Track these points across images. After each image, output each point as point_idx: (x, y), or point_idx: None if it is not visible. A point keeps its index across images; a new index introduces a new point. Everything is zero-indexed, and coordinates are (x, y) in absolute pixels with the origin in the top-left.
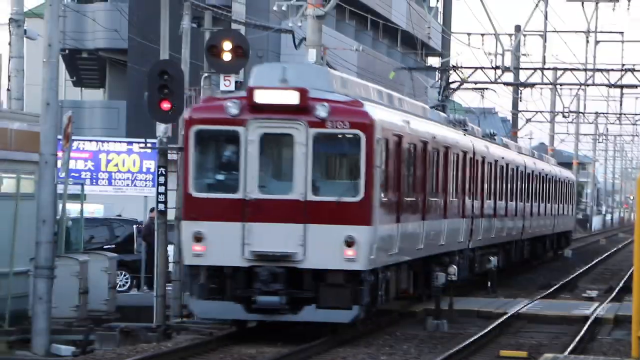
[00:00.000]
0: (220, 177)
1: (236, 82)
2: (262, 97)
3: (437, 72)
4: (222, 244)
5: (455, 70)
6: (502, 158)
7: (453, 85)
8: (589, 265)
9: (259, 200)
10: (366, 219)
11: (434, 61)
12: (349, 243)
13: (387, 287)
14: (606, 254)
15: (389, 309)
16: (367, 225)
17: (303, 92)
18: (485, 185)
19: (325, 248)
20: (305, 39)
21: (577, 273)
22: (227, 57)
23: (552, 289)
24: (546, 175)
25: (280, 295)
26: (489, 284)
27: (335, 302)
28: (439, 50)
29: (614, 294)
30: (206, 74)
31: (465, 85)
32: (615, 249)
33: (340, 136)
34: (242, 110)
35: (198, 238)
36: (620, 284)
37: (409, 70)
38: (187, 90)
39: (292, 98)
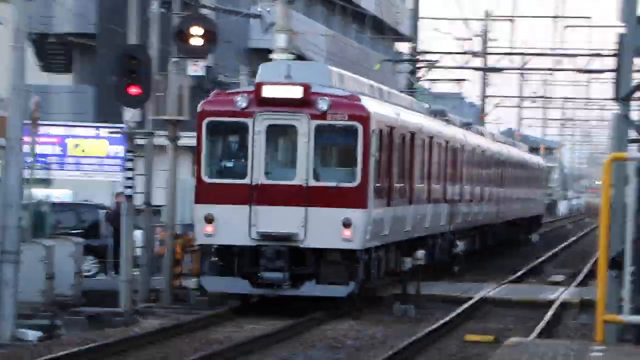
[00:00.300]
0: (230, 164)
1: (205, 67)
2: (268, 91)
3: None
4: (231, 225)
5: (424, 56)
6: (479, 146)
7: (421, 71)
8: (555, 250)
9: (264, 186)
10: (362, 202)
11: (402, 47)
12: (346, 225)
13: (379, 266)
14: (572, 239)
15: (364, 295)
16: (363, 209)
17: (306, 87)
18: (464, 172)
19: (324, 229)
20: (274, 23)
21: (543, 258)
22: (195, 42)
23: (519, 273)
24: (518, 161)
25: (284, 272)
26: (456, 268)
27: (333, 278)
28: (407, 36)
29: (579, 278)
30: (175, 59)
31: (438, 73)
32: (581, 233)
33: (339, 127)
34: (250, 103)
35: (209, 220)
36: (586, 269)
37: (394, 62)
38: (154, 75)
39: (295, 92)
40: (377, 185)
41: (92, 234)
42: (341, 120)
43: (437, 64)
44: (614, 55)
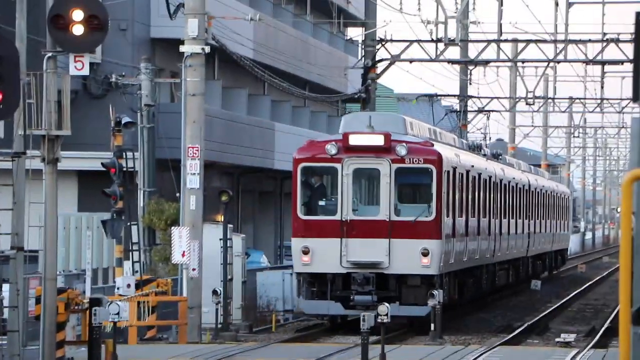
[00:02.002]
0: (322, 203)
1: (91, 63)
2: (355, 140)
3: (360, 48)
4: (325, 255)
5: (383, 45)
6: (513, 178)
7: (381, 65)
8: (564, 300)
9: (353, 221)
10: (438, 234)
11: (355, 33)
12: (425, 253)
13: (448, 290)
14: (586, 285)
15: None
16: (439, 239)
17: (387, 136)
18: (502, 206)
19: (406, 257)
20: (184, 5)
21: (548, 310)
22: (78, 30)
23: (516, 332)
24: (546, 191)
25: (372, 295)
26: (432, 326)
27: (414, 300)
28: (361, 19)
29: (596, 337)
30: (50, 54)
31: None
32: (597, 278)
33: (416, 169)
34: (339, 150)
35: (305, 251)
36: (606, 324)
37: (429, 97)
38: (23, 75)
39: (378, 140)
40: (447, 219)
41: None
42: (418, 163)
43: (401, 58)
44: (633, 40)
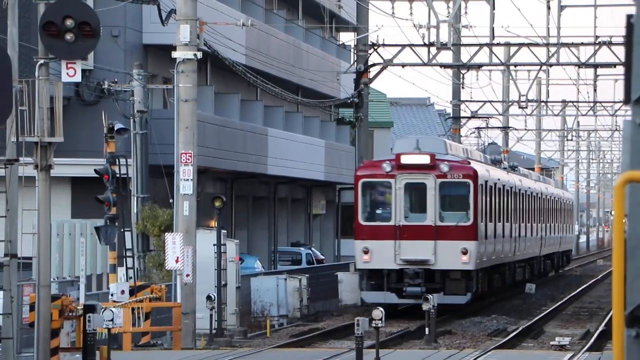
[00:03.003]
0: (379, 211)
1: (83, 70)
2: (406, 159)
3: (352, 53)
4: (382, 255)
5: (376, 50)
6: (529, 188)
7: (373, 69)
8: (559, 303)
9: (405, 226)
10: (475, 236)
11: (347, 38)
12: (464, 252)
13: (481, 283)
14: (581, 288)
15: None
16: (475, 241)
17: (432, 156)
18: (521, 212)
19: (448, 256)
20: (175, 11)
21: (543, 314)
22: (70, 37)
23: (511, 335)
24: (555, 198)
25: (421, 287)
26: (427, 330)
27: (455, 291)
28: (353, 24)
29: (591, 340)
30: (42, 61)
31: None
32: (592, 281)
33: (456, 183)
34: (393, 168)
35: (365, 251)
36: (601, 327)
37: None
38: (16, 82)
39: (425, 160)
40: (481, 224)
41: None
42: (458, 178)
43: (393, 62)
44: (624, 43)
